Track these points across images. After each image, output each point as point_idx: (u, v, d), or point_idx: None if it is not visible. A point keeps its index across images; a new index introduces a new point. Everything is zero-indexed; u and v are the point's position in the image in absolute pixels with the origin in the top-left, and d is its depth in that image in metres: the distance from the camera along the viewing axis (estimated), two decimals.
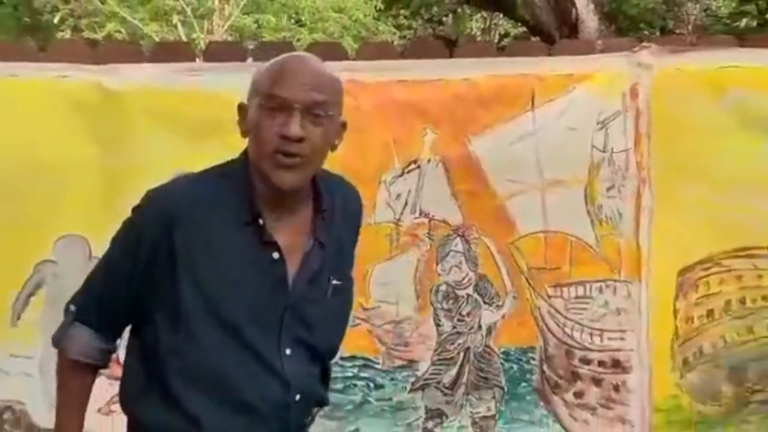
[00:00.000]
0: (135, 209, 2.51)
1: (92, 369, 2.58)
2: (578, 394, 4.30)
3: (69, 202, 3.99)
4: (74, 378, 2.57)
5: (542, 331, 4.29)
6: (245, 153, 2.47)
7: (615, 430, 4.29)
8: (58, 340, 2.58)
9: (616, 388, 4.30)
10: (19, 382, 3.96)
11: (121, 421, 3.89)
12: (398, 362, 4.23)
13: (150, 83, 4.04)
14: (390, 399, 4.21)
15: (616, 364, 4.30)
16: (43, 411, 3.96)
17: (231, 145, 3.95)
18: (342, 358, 4.15)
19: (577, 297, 4.29)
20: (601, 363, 4.30)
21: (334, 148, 2.46)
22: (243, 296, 2.41)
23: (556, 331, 4.29)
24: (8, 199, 3.90)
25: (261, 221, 2.41)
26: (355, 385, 4.19)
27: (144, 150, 4.01)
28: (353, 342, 4.14)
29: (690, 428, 4.35)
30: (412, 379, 4.23)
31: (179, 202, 2.44)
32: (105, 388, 3.88)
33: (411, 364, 4.23)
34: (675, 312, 4.36)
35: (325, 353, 2.56)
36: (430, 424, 4.24)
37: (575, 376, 4.30)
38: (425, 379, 4.23)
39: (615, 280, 4.31)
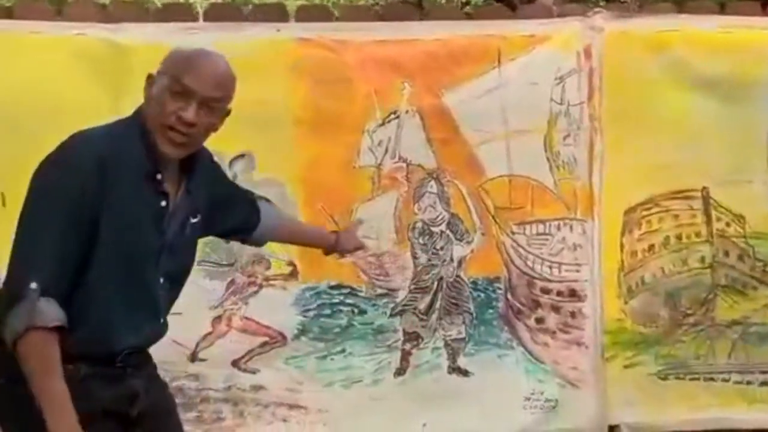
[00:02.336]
0: (57, 164, 2.43)
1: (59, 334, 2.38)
2: (539, 320, 4.23)
3: None
4: (54, 345, 2.34)
5: (507, 263, 4.20)
6: (137, 116, 2.53)
7: (571, 352, 4.23)
8: (29, 320, 2.30)
9: (573, 315, 4.23)
10: None
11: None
12: (379, 290, 4.13)
13: (155, 40, 3.85)
14: (372, 323, 4.12)
15: (573, 293, 4.23)
16: None
17: None
18: (330, 287, 4.09)
19: (537, 233, 4.21)
20: (559, 293, 4.23)
21: (216, 129, 2.57)
22: (141, 237, 2.50)
23: (519, 264, 4.21)
24: (32, 141, 3.72)
25: (159, 175, 2.50)
26: (341, 311, 4.09)
27: None
28: (339, 272, 4.09)
29: (632, 348, 4.31)
30: (392, 305, 4.14)
31: (105, 149, 2.44)
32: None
33: (390, 292, 4.14)
34: (621, 246, 4.30)
35: (182, 276, 2.68)
36: (407, 346, 4.15)
37: (536, 304, 4.22)
38: (403, 306, 4.15)
39: (571, 219, 4.23)
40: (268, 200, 3.05)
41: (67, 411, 2.34)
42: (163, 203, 2.52)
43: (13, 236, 2.43)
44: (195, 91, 2.44)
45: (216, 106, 2.50)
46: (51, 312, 2.33)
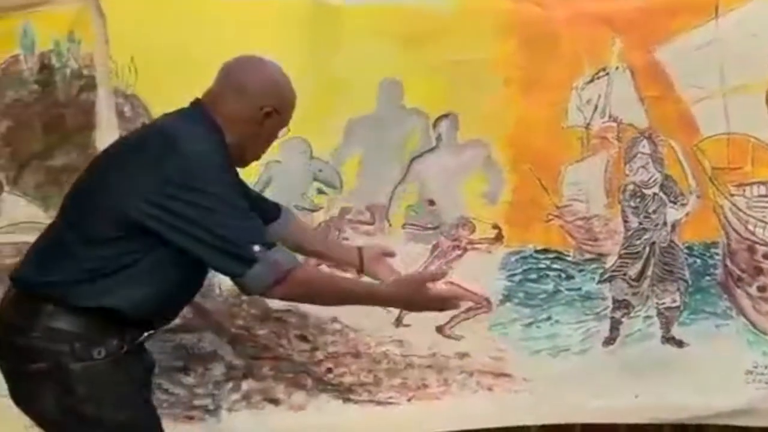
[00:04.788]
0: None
1: None
2: (762, 288, 3.89)
3: None
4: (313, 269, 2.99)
5: (725, 227, 3.89)
6: (214, 125, 2.80)
7: None
8: (280, 269, 2.66)
9: None
10: None
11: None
12: (587, 255, 3.91)
13: (367, 1, 3.78)
14: (579, 289, 3.91)
15: None
16: None
17: (428, 57, 3.76)
18: (536, 251, 3.90)
19: (759, 196, 3.87)
20: None
21: None
22: None
23: (738, 228, 3.88)
24: None
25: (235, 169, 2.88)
26: (547, 276, 3.89)
27: (355, 60, 3.76)
28: (546, 236, 3.90)
29: None
30: (600, 271, 3.91)
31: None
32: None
33: (599, 257, 3.91)
34: None
35: None
36: (617, 314, 3.91)
37: (758, 271, 3.88)
38: (613, 271, 3.91)
39: None
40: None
41: (379, 289, 2.97)
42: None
43: None
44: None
45: None
46: (287, 255, 2.74)
